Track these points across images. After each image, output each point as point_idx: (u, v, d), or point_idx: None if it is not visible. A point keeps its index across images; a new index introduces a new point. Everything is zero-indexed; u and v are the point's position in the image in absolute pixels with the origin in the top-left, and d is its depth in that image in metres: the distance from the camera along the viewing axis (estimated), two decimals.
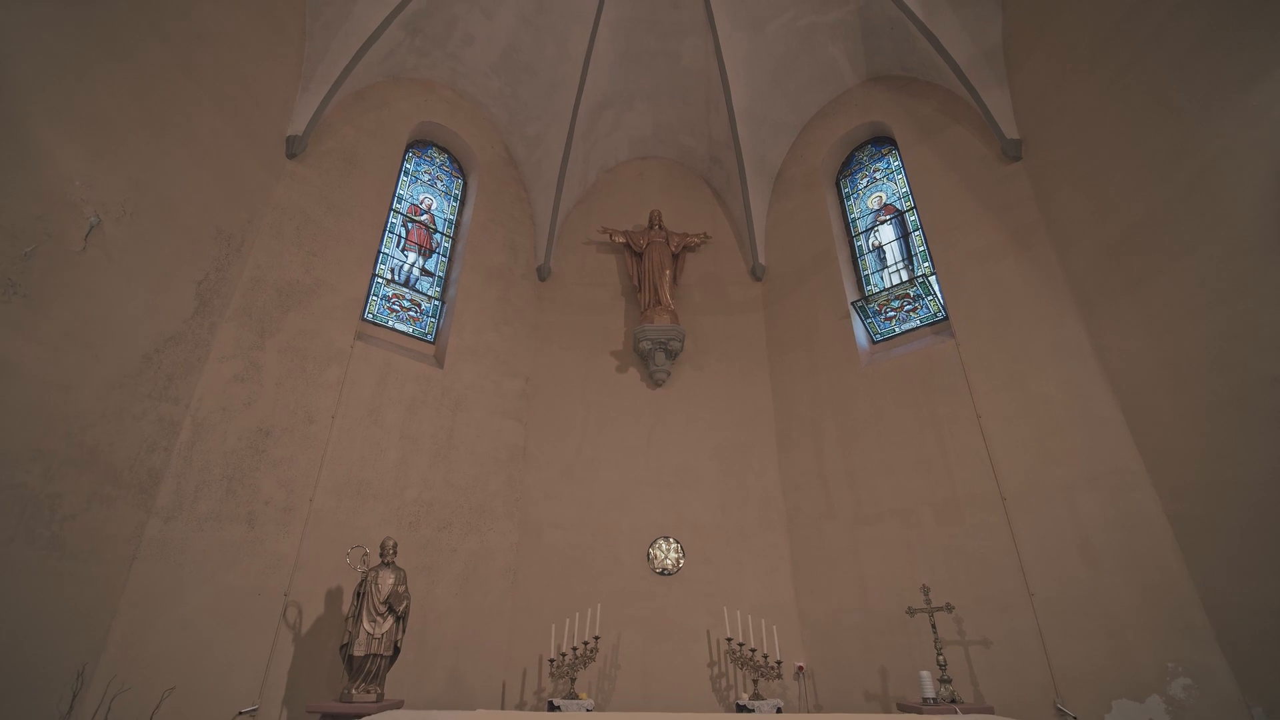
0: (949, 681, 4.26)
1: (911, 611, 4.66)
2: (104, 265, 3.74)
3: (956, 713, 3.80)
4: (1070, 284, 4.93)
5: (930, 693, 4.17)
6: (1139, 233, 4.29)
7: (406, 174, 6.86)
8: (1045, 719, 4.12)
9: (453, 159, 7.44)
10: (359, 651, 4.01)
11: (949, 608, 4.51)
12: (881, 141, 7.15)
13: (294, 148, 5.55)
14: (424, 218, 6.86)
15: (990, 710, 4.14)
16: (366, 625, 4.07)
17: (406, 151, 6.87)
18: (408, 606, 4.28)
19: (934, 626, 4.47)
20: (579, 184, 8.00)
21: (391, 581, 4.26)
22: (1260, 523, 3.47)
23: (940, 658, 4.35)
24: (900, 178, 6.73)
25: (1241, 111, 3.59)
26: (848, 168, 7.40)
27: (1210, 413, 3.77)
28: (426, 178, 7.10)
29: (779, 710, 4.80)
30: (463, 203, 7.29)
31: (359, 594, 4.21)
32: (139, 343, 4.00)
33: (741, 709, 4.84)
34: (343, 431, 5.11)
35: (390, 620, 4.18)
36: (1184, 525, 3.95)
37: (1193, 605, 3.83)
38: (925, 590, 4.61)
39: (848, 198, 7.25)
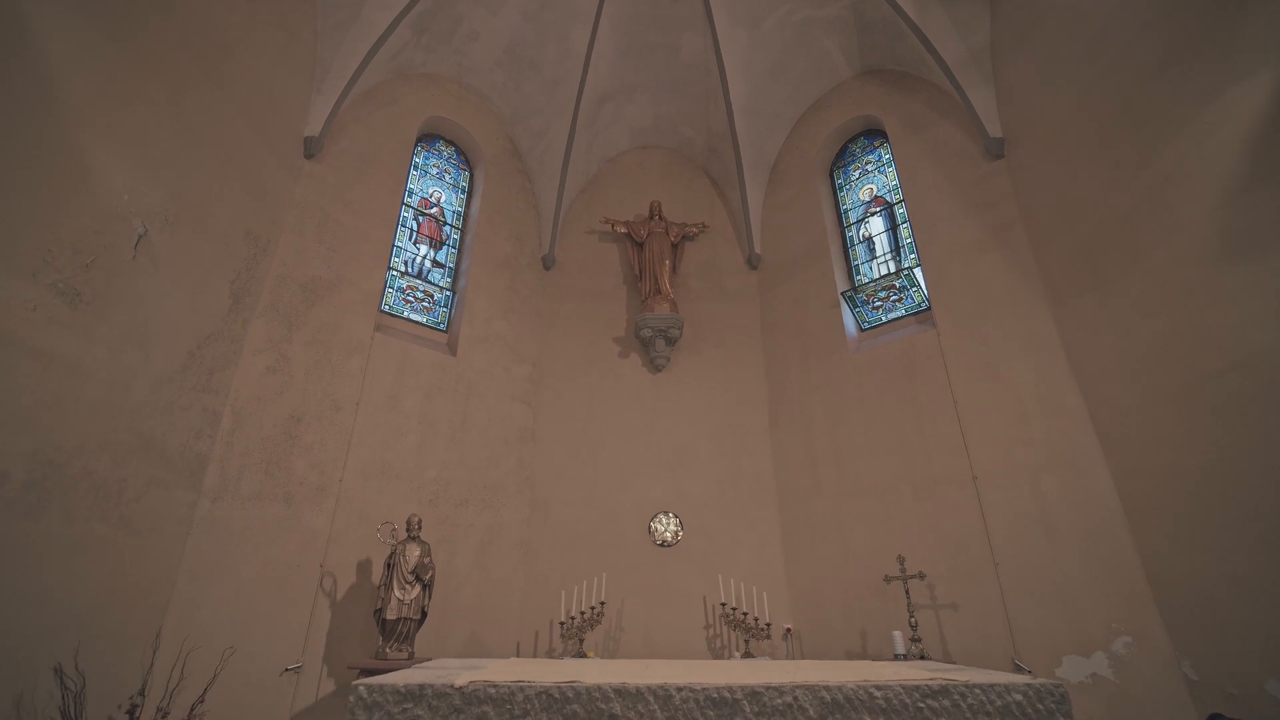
0: (919, 640, 4.76)
1: (888, 579, 5.15)
2: (151, 271, 4.08)
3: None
4: (1044, 280, 5.27)
5: (901, 650, 4.67)
6: (1105, 235, 4.62)
7: (416, 168, 7.12)
8: (1001, 669, 4.62)
9: (460, 152, 7.68)
10: (391, 615, 4.49)
11: (921, 575, 4.99)
12: (874, 134, 7.38)
13: (311, 149, 5.83)
14: (434, 210, 7.16)
15: (953, 663, 4.63)
16: (397, 592, 4.54)
17: (415, 145, 7.11)
18: (433, 576, 4.75)
19: (908, 592, 4.95)
20: (581, 174, 8.25)
21: (418, 554, 4.72)
22: (1196, 503, 3.89)
23: (912, 620, 4.84)
24: (890, 170, 7.00)
25: (1197, 128, 3.88)
26: (841, 159, 7.65)
27: (1159, 403, 4.16)
28: (435, 171, 7.36)
29: None
30: (470, 195, 7.57)
31: (389, 565, 4.68)
32: (183, 340, 4.38)
33: None
34: (366, 417, 5.52)
35: (418, 588, 4.65)
36: (1133, 504, 4.39)
37: (1136, 573, 4.29)
38: (901, 560, 5.08)
39: (840, 189, 7.52)
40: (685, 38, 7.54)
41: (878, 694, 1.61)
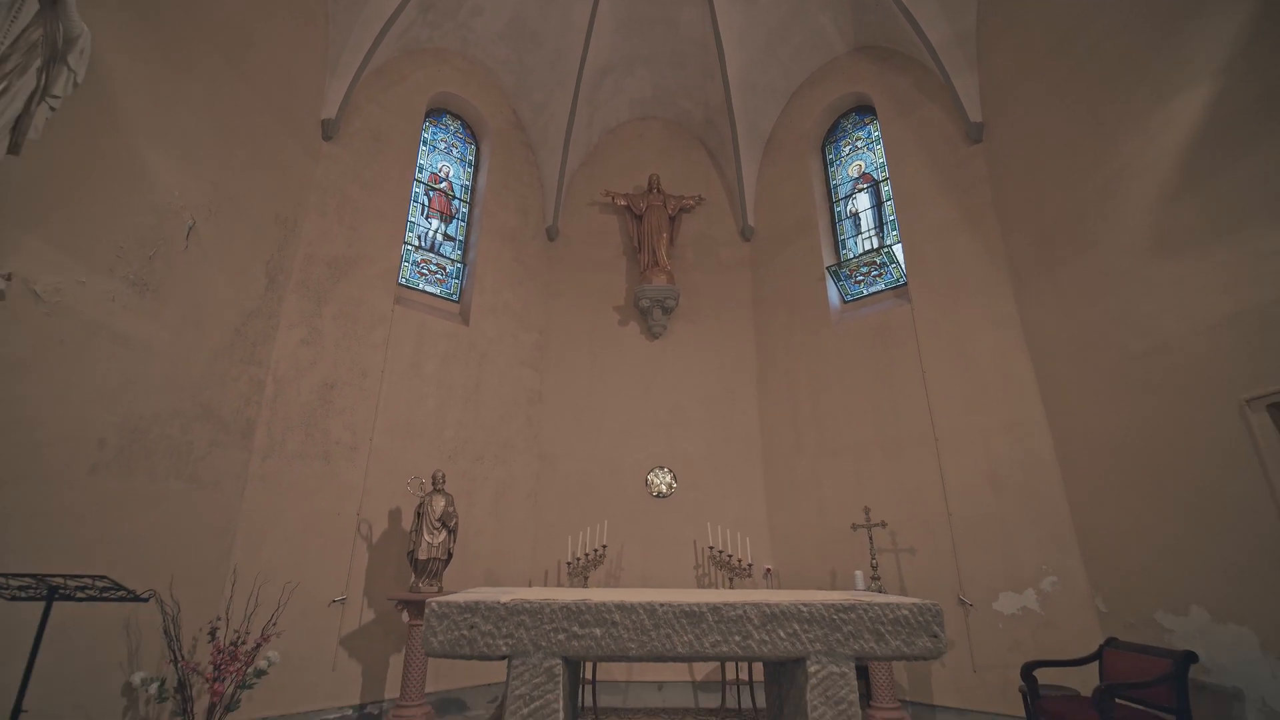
0: (878, 579, 5.50)
1: (855, 527, 5.85)
2: (201, 258, 4.57)
3: None
4: (1009, 262, 5.74)
5: (861, 586, 5.41)
6: (1062, 224, 5.07)
7: (425, 143, 7.44)
8: (950, 606, 5.38)
9: (466, 126, 7.97)
10: (422, 556, 5.20)
11: (883, 524, 5.69)
12: (865, 110, 7.66)
13: (328, 131, 6.18)
14: (443, 185, 7.53)
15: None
16: (426, 537, 5.24)
17: (424, 121, 7.40)
18: (457, 523, 5.44)
19: (871, 539, 5.66)
20: (583, 146, 8.54)
21: (443, 504, 5.40)
22: (1115, 466, 4.51)
23: (874, 562, 5.57)
24: (879, 148, 7.32)
25: (1144, 132, 4.28)
26: (833, 134, 7.94)
27: (1093, 378, 4.72)
28: (443, 145, 7.68)
29: None
30: (476, 168, 7.91)
31: (418, 513, 5.35)
32: (230, 318, 4.90)
33: None
34: (391, 383, 6.10)
35: (444, 533, 5.35)
36: (1067, 464, 5.02)
37: (1064, 523, 4.96)
38: (866, 511, 5.77)
39: (831, 164, 7.85)
40: (684, 12, 7.70)
41: (804, 609, 2.23)
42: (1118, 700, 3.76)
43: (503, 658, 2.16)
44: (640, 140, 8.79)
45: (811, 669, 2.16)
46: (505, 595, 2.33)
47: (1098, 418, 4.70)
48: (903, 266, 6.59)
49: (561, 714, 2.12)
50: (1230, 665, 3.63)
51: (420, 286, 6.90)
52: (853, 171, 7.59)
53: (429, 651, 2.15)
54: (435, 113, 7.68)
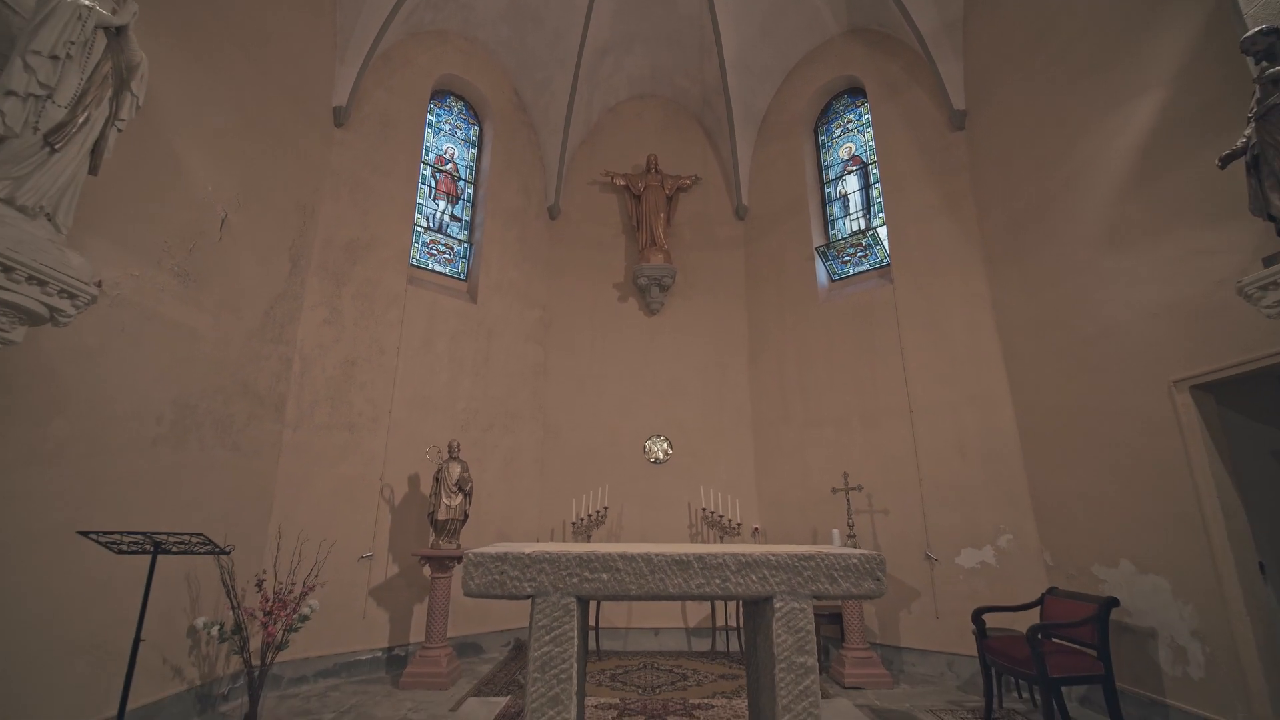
0: (854, 536, 6.08)
1: (835, 490, 6.41)
2: (233, 247, 4.95)
3: None
4: (983, 246, 6.13)
5: (838, 544, 5.99)
6: (1030, 213, 5.44)
7: (430, 125, 7.69)
8: (918, 560, 5.99)
9: (469, 107, 8.19)
10: (441, 516, 5.75)
11: (859, 488, 6.25)
12: (856, 92, 7.89)
13: (340, 118, 6.45)
14: (448, 167, 7.81)
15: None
16: (445, 499, 5.78)
17: (429, 103, 7.63)
18: (472, 487, 5.97)
19: (848, 501, 6.22)
20: (583, 124, 8.77)
21: (459, 470, 5.92)
22: (1064, 436, 5.01)
23: (850, 522, 6.14)
24: (868, 130, 7.60)
25: (1103, 132, 4.63)
26: (825, 115, 8.19)
27: (1050, 357, 5.18)
28: (447, 127, 7.93)
29: None
30: (480, 149, 8.17)
31: (437, 478, 5.88)
32: (260, 302, 5.31)
33: None
34: (406, 359, 6.55)
35: (460, 496, 5.88)
36: (1026, 434, 5.53)
37: (1020, 486, 5.51)
38: (845, 476, 6.31)
39: (823, 145, 8.13)
40: None
41: (772, 558, 2.74)
42: (1054, 640, 4.36)
43: (527, 597, 2.67)
44: (638, 119, 9.01)
45: (777, 605, 2.69)
46: (529, 548, 2.84)
47: (1053, 392, 5.18)
48: (886, 248, 6.98)
49: (575, 641, 2.65)
50: (1148, 609, 4.21)
51: (430, 266, 7.28)
52: (843, 154, 7.88)
53: (468, 592, 2.67)
54: (439, 94, 7.90)
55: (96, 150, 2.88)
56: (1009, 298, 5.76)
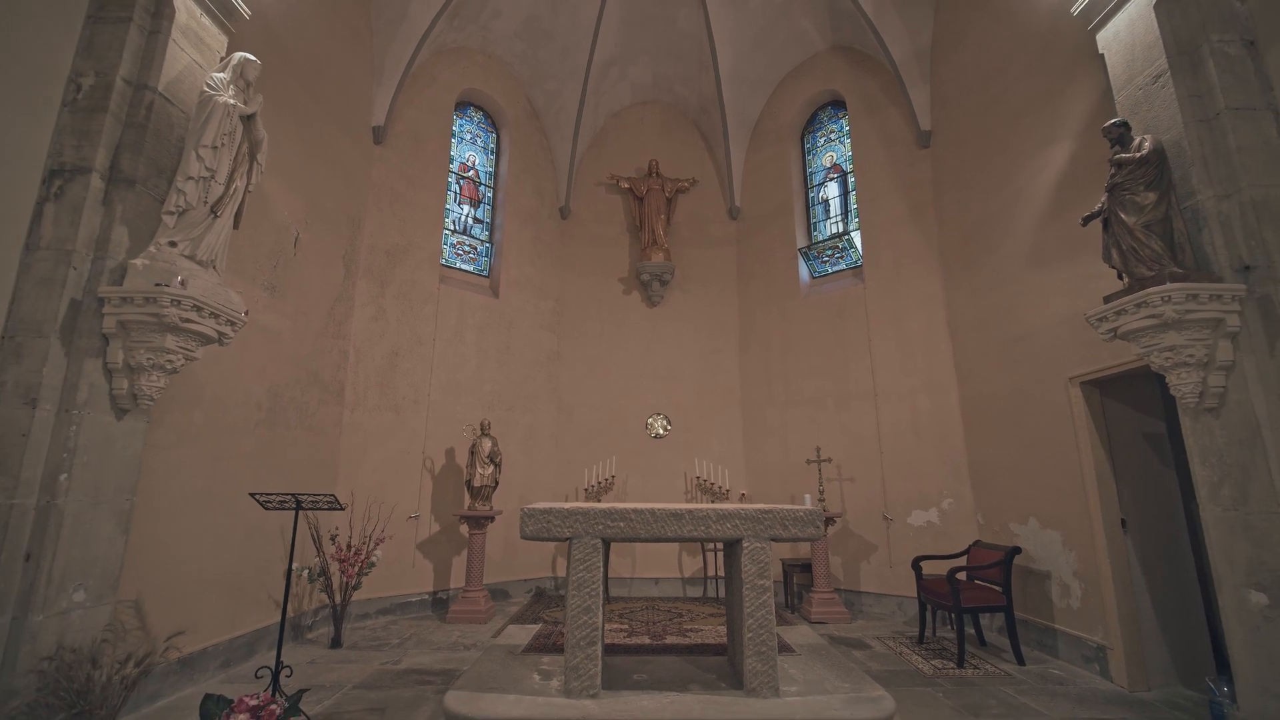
0: (823, 501, 7.19)
1: (809, 462, 7.50)
2: (304, 261, 5.91)
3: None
4: (941, 254, 7.08)
5: (808, 505, 7.10)
6: (977, 229, 6.38)
7: (453, 135, 8.52)
8: (877, 520, 7.11)
9: (487, 116, 9.00)
10: (476, 484, 6.84)
11: (829, 460, 7.34)
12: (839, 105, 8.70)
13: (379, 136, 7.30)
14: (470, 174, 8.67)
15: (841, 515, 7.13)
16: (479, 469, 6.86)
17: (452, 115, 8.45)
18: (501, 459, 7.05)
19: (820, 471, 7.32)
20: (590, 129, 9.58)
21: (490, 445, 6.99)
22: (995, 418, 6.06)
23: (821, 489, 7.24)
24: (848, 142, 8.45)
25: (1032, 167, 5.54)
26: (811, 125, 9.01)
27: (987, 353, 6.20)
28: (469, 136, 8.76)
29: None
30: (498, 156, 9.01)
31: (471, 452, 6.95)
32: (323, 304, 6.29)
33: None
34: (441, 349, 7.55)
35: (491, 467, 6.97)
36: (968, 417, 6.59)
37: (961, 459, 6.59)
38: (818, 450, 7.40)
39: (808, 152, 8.98)
40: (681, 11, 8.58)
41: (743, 511, 3.80)
42: (977, 581, 5.49)
43: (567, 539, 3.75)
44: (641, 123, 9.82)
45: (745, 545, 3.77)
46: (565, 506, 3.90)
47: (988, 382, 6.22)
48: (860, 251, 7.92)
49: (600, 570, 3.74)
50: (1045, 556, 5.32)
51: (458, 265, 8.22)
52: (825, 162, 8.74)
53: (524, 535, 3.74)
54: (460, 105, 8.70)
55: (239, 212, 3.83)
56: (959, 300, 6.74)
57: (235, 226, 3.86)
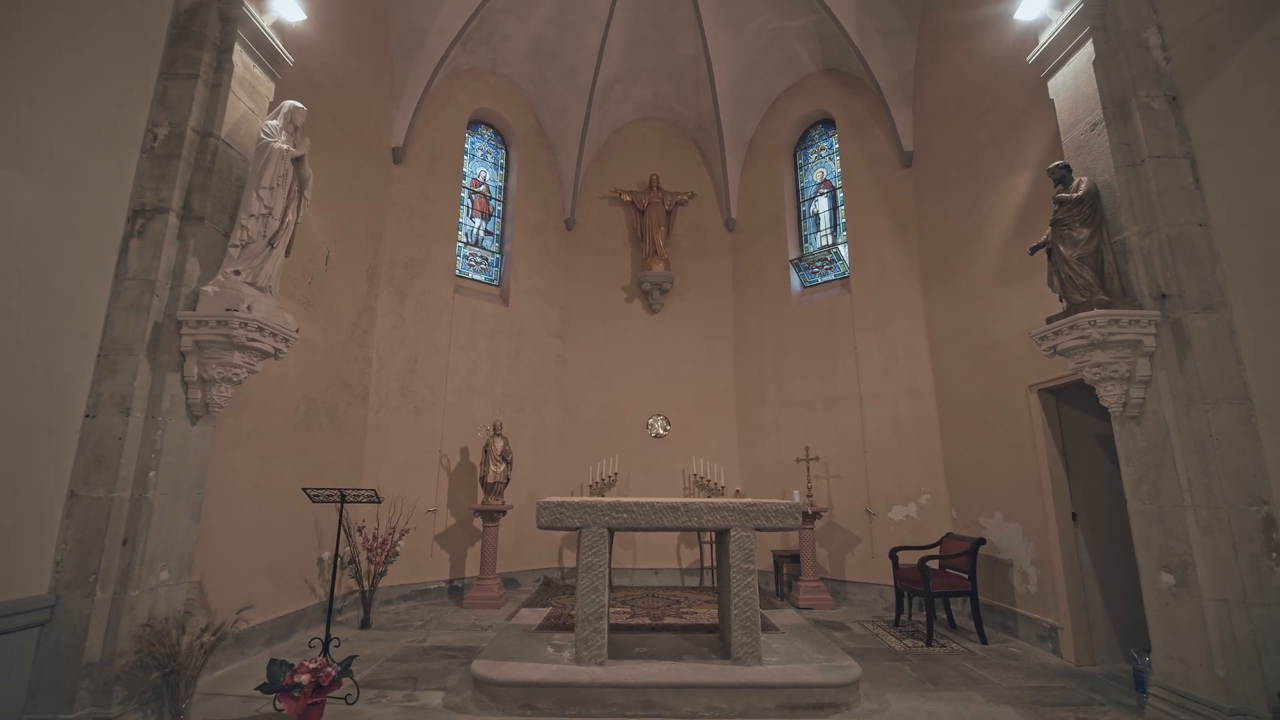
0: (811, 496, 7.75)
1: (798, 461, 8.05)
2: (334, 277, 6.45)
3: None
4: (921, 268, 7.61)
5: (797, 501, 7.65)
6: (953, 245, 6.91)
7: (465, 152, 9.05)
8: (861, 515, 7.67)
9: (497, 133, 9.53)
10: (490, 480, 7.40)
11: (818, 458, 7.89)
12: (829, 123, 9.22)
13: (398, 157, 7.84)
14: (481, 189, 9.21)
15: (827, 509, 7.69)
16: (493, 467, 7.42)
17: (465, 131, 8.97)
18: (513, 457, 7.61)
19: (808, 469, 7.87)
20: (594, 144, 10.10)
21: (501, 444, 7.54)
22: (967, 422, 6.61)
23: (809, 486, 7.80)
24: (837, 159, 8.97)
25: (1000, 191, 6.07)
26: (803, 142, 9.54)
27: (961, 361, 6.74)
28: (480, 153, 9.29)
29: None
30: (507, 171, 9.54)
31: (485, 450, 7.50)
32: (350, 315, 6.84)
33: None
34: (455, 355, 8.11)
35: (504, 464, 7.52)
36: (944, 419, 7.13)
37: (937, 459, 7.14)
38: (806, 449, 7.95)
39: (800, 168, 9.50)
40: (680, 36, 9.10)
41: (731, 505, 4.35)
42: (948, 570, 6.04)
43: (577, 528, 4.31)
44: (642, 139, 10.34)
45: (733, 534, 4.32)
46: (576, 500, 4.46)
47: (962, 388, 6.76)
48: (846, 263, 8.45)
49: (606, 556, 4.30)
50: (1008, 546, 5.87)
51: (470, 276, 8.76)
52: (816, 177, 9.26)
53: (540, 525, 4.29)
54: (472, 124, 9.23)
55: (291, 244, 4.38)
56: (937, 311, 7.28)
57: (286, 255, 4.40)
